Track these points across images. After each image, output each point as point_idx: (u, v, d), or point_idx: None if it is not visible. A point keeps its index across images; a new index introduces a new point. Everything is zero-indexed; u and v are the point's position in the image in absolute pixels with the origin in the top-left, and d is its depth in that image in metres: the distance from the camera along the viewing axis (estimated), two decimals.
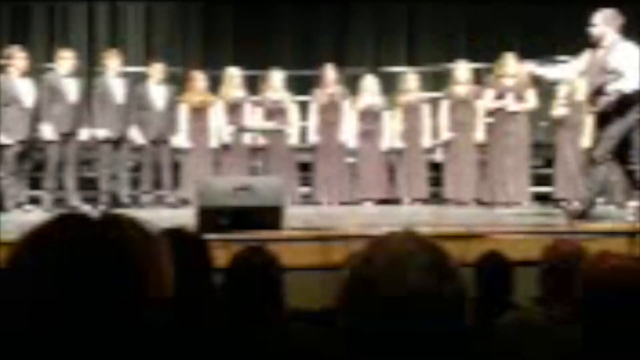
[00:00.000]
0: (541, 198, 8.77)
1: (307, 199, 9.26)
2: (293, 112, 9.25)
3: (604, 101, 6.12)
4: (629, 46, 6.16)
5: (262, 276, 2.86)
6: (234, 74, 9.13)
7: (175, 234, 2.53)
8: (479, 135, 8.76)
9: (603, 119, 6.23)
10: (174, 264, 1.31)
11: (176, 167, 8.96)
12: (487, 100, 8.61)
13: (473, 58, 9.49)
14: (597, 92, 6.16)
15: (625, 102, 6.04)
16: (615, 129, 6.13)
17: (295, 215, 6.80)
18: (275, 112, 9.09)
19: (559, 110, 8.49)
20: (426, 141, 9.07)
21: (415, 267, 1.33)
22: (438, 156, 9.22)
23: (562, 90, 8.49)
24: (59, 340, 1.06)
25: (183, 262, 2.40)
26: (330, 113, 9.10)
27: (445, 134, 8.88)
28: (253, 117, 9.08)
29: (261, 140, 9.12)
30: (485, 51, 9.81)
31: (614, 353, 1.95)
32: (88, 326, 1.07)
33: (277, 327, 2.69)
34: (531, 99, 8.54)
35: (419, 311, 1.31)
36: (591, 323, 2.02)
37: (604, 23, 6.18)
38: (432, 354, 1.32)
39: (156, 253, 1.15)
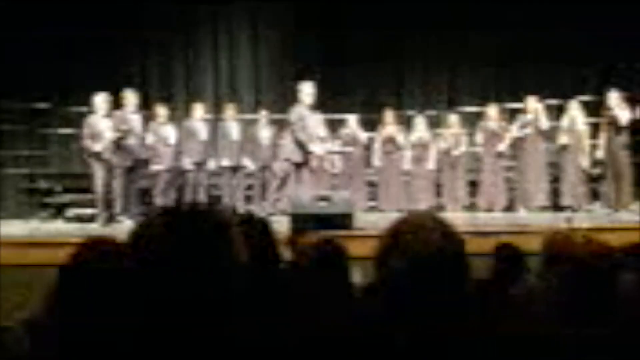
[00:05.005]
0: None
1: (374, 209, 9.29)
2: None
3: None
4: None
5: (330, 261, 2.88)
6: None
7: (248, 217, 2.56)
8: (502, 146, 8.63)
9: None
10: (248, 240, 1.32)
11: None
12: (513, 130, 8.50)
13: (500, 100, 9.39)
14: None
15: None
16: None
17: (364, 219, 6.92)
18: (350, 144, 9.21)
19: (562, 138, 8.30)
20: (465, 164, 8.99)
21: (434, 233, 1.40)
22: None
23: (564, 122, 8.31)
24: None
25: (254, 239, 2.43)
26: (390, 144, 9.16)
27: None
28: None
29: (338, 164, 9.23)
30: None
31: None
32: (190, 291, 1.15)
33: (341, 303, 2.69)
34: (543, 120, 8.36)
35: (438, 267, 1.37)
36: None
37: None
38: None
39: (231, 231, 1.23)
